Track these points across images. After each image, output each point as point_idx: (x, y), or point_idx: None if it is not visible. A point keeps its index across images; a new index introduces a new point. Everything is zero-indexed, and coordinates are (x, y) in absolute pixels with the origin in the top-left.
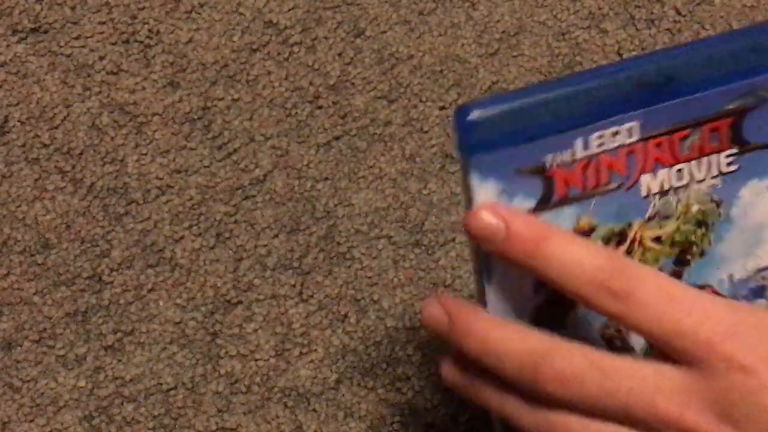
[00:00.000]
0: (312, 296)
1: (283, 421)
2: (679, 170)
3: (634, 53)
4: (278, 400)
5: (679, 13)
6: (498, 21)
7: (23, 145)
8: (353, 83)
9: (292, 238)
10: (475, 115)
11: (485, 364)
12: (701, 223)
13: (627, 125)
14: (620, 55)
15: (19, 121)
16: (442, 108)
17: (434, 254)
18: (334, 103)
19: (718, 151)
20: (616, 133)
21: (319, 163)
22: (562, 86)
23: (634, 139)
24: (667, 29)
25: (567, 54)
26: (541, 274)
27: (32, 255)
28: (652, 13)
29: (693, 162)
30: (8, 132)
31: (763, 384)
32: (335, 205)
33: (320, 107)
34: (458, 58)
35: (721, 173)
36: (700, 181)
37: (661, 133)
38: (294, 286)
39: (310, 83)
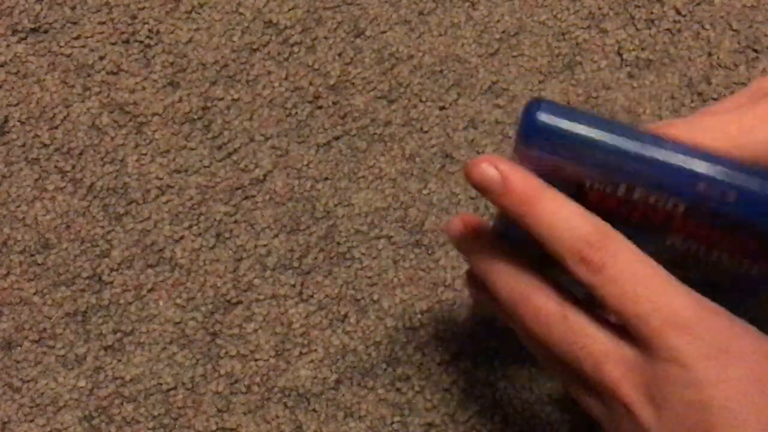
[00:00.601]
0: (312, 296)
1: (283, 421)
2: (709, 250)
3: (633, 52)
4: (278, 400)
5: (679, 13)
6: (498, 21)
7: (23, 145)
8: (353, 83)
9: (292, 238)
10: (543, 117)
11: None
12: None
13: (673, 203)
14: (620, 55)
15: (19, 121)
16: (442, 108)
17: (434, 254)
18: (334, 103)
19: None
20: (659, 200)
21: (319, 163)
22: (639, 141)
23: (676, 211)
24: (667, 29)
25: (567, 54)
26: (530, 230)
27: (32, 255)
28: (652, 13)
29: (725, 253)
30: (8, 132)
31: (694, 381)
32: (335, 205)
33: (320, 107)
34: (458, 58)
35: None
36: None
37: (704, 223)
38: (294, 286)
39: (310, 83)
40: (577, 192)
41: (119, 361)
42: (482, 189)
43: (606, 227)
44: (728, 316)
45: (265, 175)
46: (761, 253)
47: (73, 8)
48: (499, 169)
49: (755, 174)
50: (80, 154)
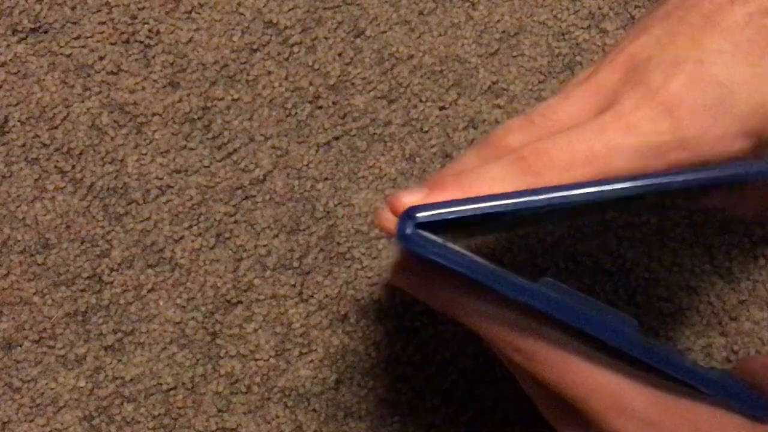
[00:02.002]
0: (312, 296)
1: (283, 421)
2: None
3: None
4: (278, 400)
5: None
6: (498, 21)
7: (23, 145)
8: (353, 83)
9: (292, 238)
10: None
11: None
12: None
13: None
14: None
15: (19, 121)
16: (442, 108)
17: None
18: (334, 103)
19: None
20: None
21: (319, 163)
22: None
23: None
24: None
25: (567, 54)
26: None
27: (32, 255)
28: None
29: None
30: (8, 132)
31: None
32: (335, 205)
33: (320, 107)
34: (458, 58)
35: None
36: None
37: None
38: (294, 286)
39: (310, 83)
40: None
41: (119, 361)
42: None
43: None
44: (684, 408)
45: (265, 175)
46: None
47: (73, 8)
48: (410, 283)
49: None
50: (80, 154)
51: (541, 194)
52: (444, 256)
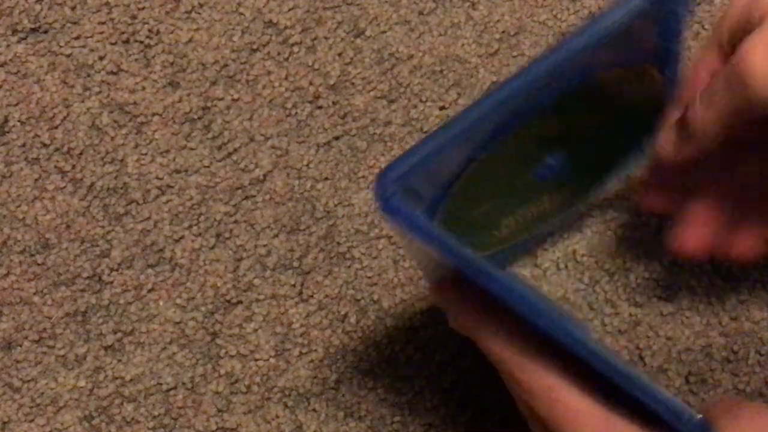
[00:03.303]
0: (312, 296)
1: (283, 421)
2: None
3: None
4: (278, 400)
5: None
6: (498, 21)
7: (23, 145)
8: (353, 83)
9: (292, 238)
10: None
11: None
12: None
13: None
14: None
15: (19, 121)
16: (442, 108)
17: None
18: (334, 103)
19: None
20: None
21: (319, 163)
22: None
23: None
24: None
25: None
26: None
27: (32, 255)
28: None
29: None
30: (8, 132)
31: None
32: (335, 205)
33: (320, 107)
34: (458, 58)
35: None
36: None
37: None
38: (294, 286)
39: (310, 83)
40: None
41: (119, 361)
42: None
43: (537, 353)
44: None
45: (265, 175)
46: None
47: (73, 8)
48: (444, 298)
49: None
50: (80, 154)
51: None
52: (416, 224)
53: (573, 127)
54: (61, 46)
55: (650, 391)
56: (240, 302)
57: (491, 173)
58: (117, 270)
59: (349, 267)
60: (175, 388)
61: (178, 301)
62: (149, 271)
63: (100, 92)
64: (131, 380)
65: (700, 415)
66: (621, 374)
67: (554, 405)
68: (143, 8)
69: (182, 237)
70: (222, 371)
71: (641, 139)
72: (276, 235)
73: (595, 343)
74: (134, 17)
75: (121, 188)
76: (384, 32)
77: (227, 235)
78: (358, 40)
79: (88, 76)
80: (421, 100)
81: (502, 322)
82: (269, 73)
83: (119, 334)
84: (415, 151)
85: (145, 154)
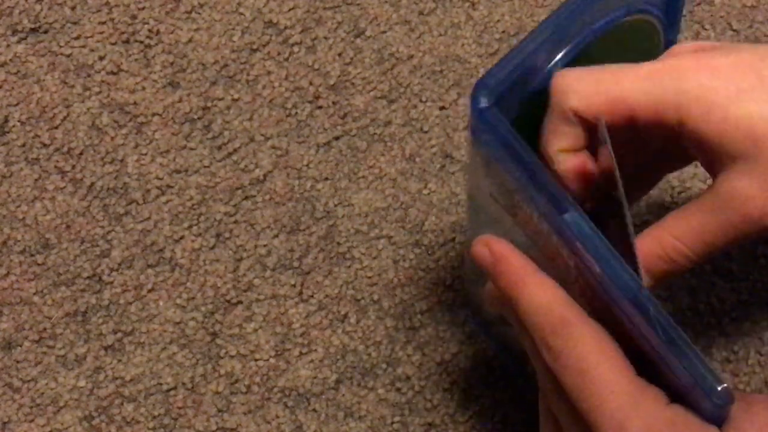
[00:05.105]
0: (312, 296)
1: (283, 421)
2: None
3: None
4: (278, 400)
5: None
6: (498, 21)
7: (23, 145)
8: (353, 83)
9: (292, 238)
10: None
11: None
12: None
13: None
14: None
15: (19, 121)
16: (442, 108)
17: (434, 254)
18: (334, 103)
19: None
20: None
21: (319, 163)
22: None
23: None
24: None
25: None
26: (514, 312)
27: (32, 255)
28: None
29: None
30: (8, 132)
31: None
32: (335, 205)
33: (320, 107)
34: (458, 58)
35: None
36: None
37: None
38: (294, 286)
39: (310, 83)
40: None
41: (119, 361)
42: (482, 267)
43: (575, 317)
44: (687, 422)
45: (265, 175)
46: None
47: (73, 8)
48: (492, 250)
49: None
50: (80, 154)
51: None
52: (510, 137)
53: None
54: (61, 46)
55: (692, 355)
56: (240, 302)
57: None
58: (117, 270)
59: (349, 267)
60: (175, 388)
61: (178, 301)
62: (149, 271)
63: (100, 92)
64: (131, 380)
65: (725, 385)
66: (666, 329)
67: (583, 376)
68: (143, 8)
69: (182, 237)
70: (222, 371)
71: None
72: (276, 235)
73: (647, 294)
74: (134, 17)
75: (121, 188)
76: (384, 32)
77: (227, 235)
78: (358, 40)
79: (88, 76)
80: (421, 100)
81: (543, 284)
82: (269, 73)
83: (119, 334)
84: (509, 58)
85: (145, 154)
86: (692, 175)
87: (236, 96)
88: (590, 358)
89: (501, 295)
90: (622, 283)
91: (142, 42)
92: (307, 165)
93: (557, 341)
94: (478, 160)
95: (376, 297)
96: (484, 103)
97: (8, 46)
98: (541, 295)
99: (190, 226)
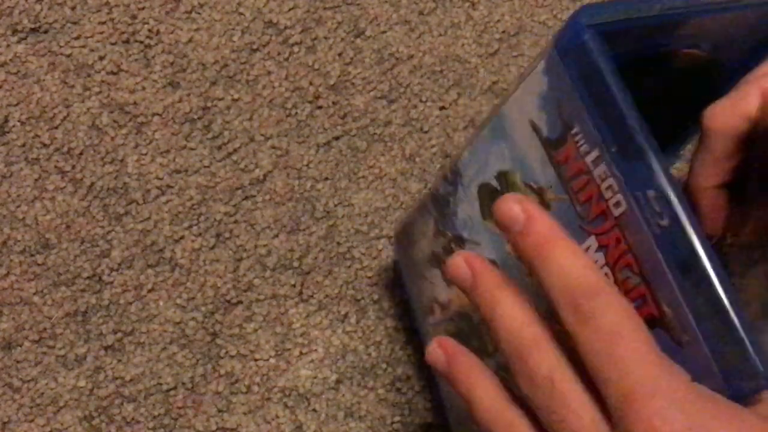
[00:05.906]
0: (312, 296)
1: (283, 421)
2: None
3: None
4: (278, 400)
5: None
6: (498, 21)
7: (23, 145)
8: (353, 83)
9: (292, 238)
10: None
11: (487, 325)
12: None
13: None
14: None
15: (19, 121)
16: (442, 108)
17: None
18: (334, 103)
19: None
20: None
21: (319, 163)
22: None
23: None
24: None
25: None
26: (537, 273)
27: (32, 255)
28: None
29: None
30: (8, 132)
31: None
32: (335, 205)
33: (320, 107)
34: (458, 58)
35: None
36: None
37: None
38: (294, 286)
39: (310, 83)
40: (558, 137)
41: (119, 361)
42: (505, 226)
43: (609, 285)
44: (714, 398)
45: (265, 175)
46: None
47: (73, 8)
48: (524, 208)
49: None
50: (80, 154)
51: None
52: (610, 62)
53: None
54: (61, 46)
55: (743, 331)
56: (240, 302)
57: None
58: (117, 270)
59: (349, 267)
60: (175, 388)
61: (178, 301)
62: (149, 271)
63: (100, 92)
64: (131, 380)
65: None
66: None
67: (617, 341)
68: (143, 8)
69: (182, 237)
70: (222, 371)
71: (681, 128)
72: (276, 235)
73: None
74: (134, 17)
75: (121, 188)
76: (384, 32)
77: (227, 235)
78: (358, 40)
79: (88, 76)
80: (421, 100)
81: (577, 250)
82: (269, 73)
83: (119, 334)
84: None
85: (145, 154)
86: None
87: (236, 96)
88: (625, 324)
89: (526, 255)
90: (691, 230)
91: (142, 42)
92: (307, 165)
93: (591, 303)
94: (543, 86)
95: (376, 297)
96: (588, 20)
97: (8, 46)
98: (574, 259)
99: (190, 226)
